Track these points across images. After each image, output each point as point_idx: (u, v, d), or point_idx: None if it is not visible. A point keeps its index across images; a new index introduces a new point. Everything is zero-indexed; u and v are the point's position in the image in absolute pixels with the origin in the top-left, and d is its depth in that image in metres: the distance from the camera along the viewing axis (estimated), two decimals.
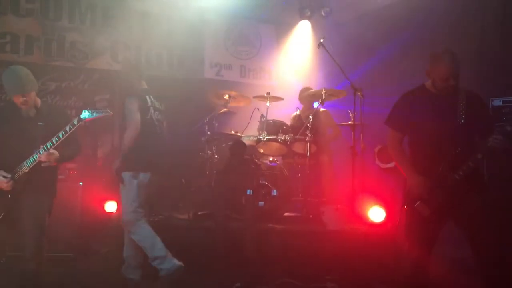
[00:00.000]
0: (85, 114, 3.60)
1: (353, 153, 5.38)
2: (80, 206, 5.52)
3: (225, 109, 6.25)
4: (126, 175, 4.50)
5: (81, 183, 5.60)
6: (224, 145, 6.10)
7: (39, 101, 3.90)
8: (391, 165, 5.72)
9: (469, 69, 4.26)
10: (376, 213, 5.05)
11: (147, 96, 4.69)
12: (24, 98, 3.70)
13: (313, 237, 5.02)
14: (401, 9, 6.35)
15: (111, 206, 5.66)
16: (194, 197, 6.25)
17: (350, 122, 5.74)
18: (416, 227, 3.51)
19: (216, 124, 6.19)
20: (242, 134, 6.08)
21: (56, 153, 3.67)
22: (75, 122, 3.62)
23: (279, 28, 8.30)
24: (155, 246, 4.47)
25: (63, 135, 3.63)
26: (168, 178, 6.52)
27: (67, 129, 3.62)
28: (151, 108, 4.67)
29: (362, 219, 5.14)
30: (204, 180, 6.13)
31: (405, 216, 3.60)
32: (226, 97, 6.19)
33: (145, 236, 4.51)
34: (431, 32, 6.12)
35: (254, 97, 6.25)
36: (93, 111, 3.62)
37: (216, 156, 6.01)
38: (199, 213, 5.61)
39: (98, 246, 5.50)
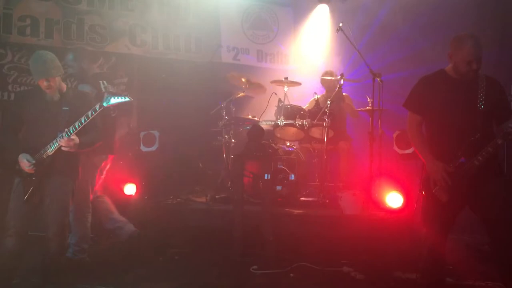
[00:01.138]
0: (107, 100, 3.61)
1: (371, 139, 5.35)
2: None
3: (242, 94, 6.26)
4: None
5: None
6: (241, 129, 6.14)
7: (64, 86, 3.95)
8: (410, 151, 5.67)
9: (489, 55, 4.19)
10: (393, 199, 5.03)
11: (100, 82, 4.66)
12: (49, 83, 3.75)
13: (330, 222, 5.04)
14: None
15: (130, 189, 5.74)
16: (212, 181, 6.31)
17: (368, 108, 5.70)
18: (433, 212, 3.50)
19: (234, 109, 6.22)
20: (259, 118, 6.09)
21: (77, 139, 3.70)
22: (97, 108, 3.64)
23: (297, 11, 8.22)
24: None
25: (85, 121, 3.66)
26: (186, 162, 6.61)
27: (89, 114, 3.65)
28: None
29: (379, 205, 5.13)
30: (221, 164, 6.18)
31: (422, 201, 3.59)
32: (244, 80, 6.18)
33: None
34: (451, 15, 6.03)
35: (271, 82, 6.24)
36: (114, 96, 3.63)
37: (233, 140, 6.05)
38: (216, 196, 5.67)
39: None
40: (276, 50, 8.07)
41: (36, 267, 4.01)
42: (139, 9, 6.99)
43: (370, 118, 5.55)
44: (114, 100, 3.61)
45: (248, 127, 5.89)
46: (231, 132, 6.05)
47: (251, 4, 7.86)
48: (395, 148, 5.87)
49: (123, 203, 5.60)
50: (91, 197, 4.88)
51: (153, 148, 6.37)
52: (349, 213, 5.10)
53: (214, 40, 7.59)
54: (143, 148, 6.39)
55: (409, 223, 4.79)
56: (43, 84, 3.76)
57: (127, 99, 3.68)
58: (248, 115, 6.22)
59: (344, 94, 6.13)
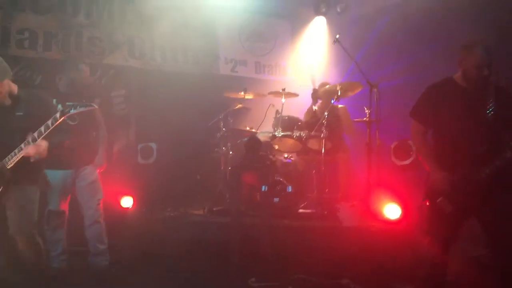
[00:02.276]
0: (67, 109, 3.36)
1: (369, 150, 5.34)
2: None
3: (240, 105, 6.27)
4: None
5: None
6: (239, 141, 6.12)
7: (15, 88, 3.54)
8: (408, 162, 5.66)
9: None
10: (392, 210, 5.01)
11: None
12: None
13: (328, 233, 5.01)
14: (417, 2, 6.27)
15: (127, 201, 5.71)
16: (209, 193, 6.28)
17: (365, 119, 5.70)
18: (436, 223, 3.45)
19: (231, 120, 6.22)
20: (257, 130, 6.09)
21: (45, 142, 3.39)
22: (58, 116, 3.35)
23: (294, 24, 8.28)
24: None
25: (45, 130, 3.35)
26: (184, 174, 6.59)
27: (49, 123, 3.35)
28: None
29: (377, 216, 5.09)
30: (219, 176, 6.16)
31: (425, 211, 3.55)
32: (242, 93, 6.20)
33: None
34: (449, 25, 6.04)
35: (269, 93, 6.25)
36: (76, 105, 3.39)
37: (231, 152, 6.04)
38: (214, 209, 5.64)
39: (114, 240, 5.54)
40: (274, 61, 8.11)
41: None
42: (137, 21, 7.02)
43: (368, 129, 5.54)
44: (75, 109, 3.39)
45: (245, 139, 5.89)
46: (229, 143, 6.05)
47: (248, 17, 7.91)
48: (393, 159, 5.86)
49: (120, 215, 5.58)
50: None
51: (151, 161, 6.36)
52: (348, 224, 5.08)
53: (212, 52, 7.63)
54: (141, 161, 6.38)
55: (408, 234, 4.77)
56: None
57: (90, 107, 3.46)
58: (246, 126, 6.22)
59: (340, 106, 6.14)
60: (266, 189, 5.12)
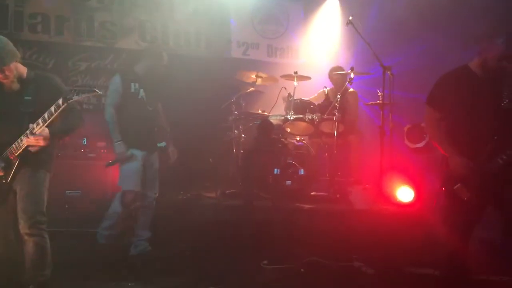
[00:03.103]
0: (71, 95, 3.21)
1: (382, 133, 5.30)
2: (110, 184, 5.62)
3: (252, 88, 6.25)
4: None
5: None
6: (251, 124, 6.12)
7: (24, 71, 3.43)
8: (420, 145, 5.63)
9: None
10: (404, 193, 4.99)
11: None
12: (4, 73, 3.26)
13: (340, 216, 5.02)
14: None
15: None
16: (222, 176, 6.31)
17: (378, 101, 5.66)
18: (454, 210, 3.44)
19: (243, 104, 6.21)
20: (269, 113, 6.08)
21: (46, 131, 3.26)
22: (60, 102, 3.20)
23: (307, 6, 8.18)
24: None
25: (48, 117, 3.22)
26: (196, 157, 6.60)
27: (52, 110, 3.20)
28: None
29: (390, 199, 5.09)
30: (231, 159, 6.18)
31: (443, 198, 3.54)
32: (254, 76, 6.17)
33: None
34: (464, 9, 5.94)
35: (281, 76, 6.22)
36: (79, 90, 3.24)
37: (243, 135, 6.04)
38: (226, 191, 5.67)
39: (128, 222, 5.60)
40: (286, 44, 8.04)
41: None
42: (148, 5, 7.00)
43: (381, 112, 5.50)
44: (78, 95, 3.23)
45: (257, 122, 5.89)
46: (241, 127, 6.04)
47: None
48: (406, 142, 5.83)
49: None
50: None
51: (162, 144, 6.37)
52: (360, 207, 5.08)
53: (224, 35, 7.58)
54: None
55: (421, 217, 4.76)
56: None
57: (94, 92, 3.30)
58: (258, 110, 6.21)
59: (351, 90, 6.10)
60: (278, 172, 5.13)
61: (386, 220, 4.84)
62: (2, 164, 3.33)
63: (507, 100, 3.31)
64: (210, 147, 6.69)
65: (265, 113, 6.07)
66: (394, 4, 6.88)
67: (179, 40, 7.29)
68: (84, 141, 5.76)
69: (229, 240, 4.93)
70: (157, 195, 4.87)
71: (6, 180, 3.35)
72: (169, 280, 4.26)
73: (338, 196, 5.49)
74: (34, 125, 3.23)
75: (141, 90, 4.72)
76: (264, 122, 5.55)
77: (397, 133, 5.73)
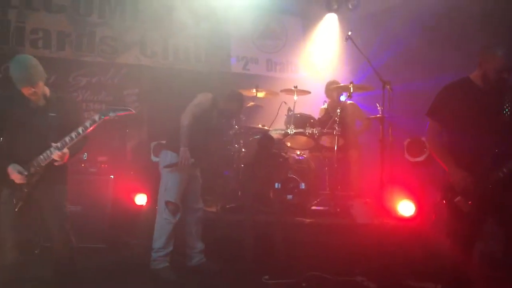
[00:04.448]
0: (107, 112, 3.50)
1: (382, 147, 5.32)
2: (111, 199, 5.62)
3: (252, 103, 6.28)
4: None
5: (112, 176, 5.70)
6: (251, 138, 6.13)
7: (47, 90, 3.72)
8: (421, 158, 5.64)
9: None
10: (405, 207, 5.00)
11: None
12: (34, 90, 3.53)
13: (341, 230, 5.01)
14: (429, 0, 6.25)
15: (141, 199, 5.76)
16: (222, 191, 6.30)
17: (378, 115, 5.68)
18: (456, 223, 3.44)
19: (244, 118, 6.22)
20: (269, 127, 6.10)
21: (67, 151, 3.56)
22: (96, 118, 3.50)
23: (306, 21, 8.27)
24: None
25: (83, 131, 3.51)
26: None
27: (88, 125, 3.50)
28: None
29: (391, 213, 5.09)
30: (232, 174, 6.18)
31: (444, 211, 3.54)
32: (254, 91, 6.21)
33: None
34: (460, 24, 6.00)
35: (281, 91, 6.25)
36: (115, 108, 3.54)
37: (243, 149, 6.04)
38: (227, 206, 5.66)
39: (128, 237, 5.60)
40: (285, 59, 8.11)
41: (45, 277, 3.91)
42: (149, 20, 7.06)
43: (381, 126, 5.52)
44: (114, 113, 3.52)
45: (258, 136, 5.90)
46: (241, 141, 6.05)
47: (260, 14, 7.90)
48: (406, 156, 5.84)
49: (134, 213, 5.62)
50: None
51: None
52: (361, 221, 5.08)
53: (223, 50, 7.65)
54: (154, 158, 6.41)
55: (421, 231, 4.76)
56: (28, 91, 3.53)
57: (128, 111, 3.57)
58: (258, 124, 6.22)
59: (349, 102, 6.14)
60: (279, 186, 5.14)
61: (387, 234, 4.82)
62: (26, 173, 3.54)
63: (508, 113, 3.31)
64: (210, 161, 6.69)
65: (265, 128, 6.09)
66: (392, 19, 6.97)
67: (179, 55, 7.34)
68: (85, 156, 5.76)
69: (230, 255, 4.92)
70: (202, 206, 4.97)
71: (28, 189, 3.57)
72: None
73: (339, 210, 5.48)
74: (67, 139, 3.50)
75: (215, 120, 4.87)
76: (265, 136, 5.57)
77: (397, 147, 5.75)
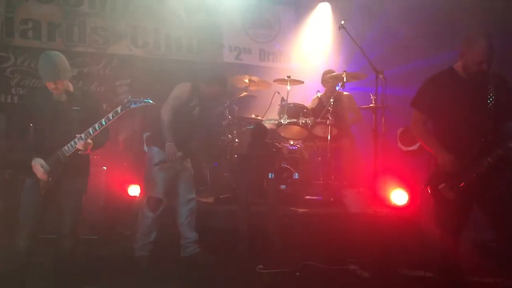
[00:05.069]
0: (129, 104, 3.59)
1: (375, 136, 5.33)
2: (104, 190, 5.60)
3: (245, 93, 6.25)
4: None
5: (104, 168, 5.67)
6: (244, 129, 6.11)
7: (71, 86, 3.84)
8: (414, 147, 5.66)
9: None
10: (398, 196, 5.02)
11: None
12: (57, 85, 3.65)
13: (335, 220, 5.02)
14: None
15: (134, 190, 5.73)
16: (216, 181, 6.30)
17: (371, 105, 5.69)
18: (440, 210, 3.48)
19: (237, 108, 6.20)
20: (262, 118, 6.08)
21: (91, 142, 3.64)
22: (119, 110, 3.58)
23: (298, 10, 8.21)
24: None
25: (106, 123, 3.60)
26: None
27: (110, 116, 3.59)
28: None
29: (384, 202, 5.12)
30: (225, 164, 6.17)
31: (428, 198, 3.56)
32: (247, 80, 6.18)
33: None
34: (454, 13, 6.00)
35: (274, 81, 6.23)
36: (136, 100, 3.62)
37: (236, 140, 6.03)
38: (220, 196, 5.66)
39: (121, 228, 5.59)
40: (278, 49, 8.06)
41: (47, 268, 3.97)
42: (140, 10, 6.99)
43: (374, 115, 5.53)
44: (136, 104, 3.60)
45: (251, 127, 5.88)
46: (235, 131, 6.04)
47: (252, 4, 7.83)
48: (399, 145, 5.86)
49: (128, 204, 5.60)
50: None
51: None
52: (354, 211, 5.09)
53: (216, 40, 7.59)
54: (146, 149, 6.37)
55: (415, 220, 4.78)
56: (51, 85, 3.66)
57: (149, 102, 3.66)
58: (251, 114, 6.21)
59: (345, 93, 6.13)
60: (273, 176, 5.13)
61: (381, 223, 4.86)
62: (49, 169, 3.63)
63: (492, 102, 3.32)
64: (203, 151, 6.68)
65: (259, 118, 6.07)
66: (385, 8, 6.95)
67: (170, 46, 7.29)
68: None
69: (224, 245, 4.92)
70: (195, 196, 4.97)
71: (53, 178, 3.66)
72: (164, 285, 4.24)
73: (332, 199, 5.50)
74: (91, 130, 3.58)
75: (197, 108, 4.81)
76: (258, 126, 5.55)
77: (390, 136, 5.76)
